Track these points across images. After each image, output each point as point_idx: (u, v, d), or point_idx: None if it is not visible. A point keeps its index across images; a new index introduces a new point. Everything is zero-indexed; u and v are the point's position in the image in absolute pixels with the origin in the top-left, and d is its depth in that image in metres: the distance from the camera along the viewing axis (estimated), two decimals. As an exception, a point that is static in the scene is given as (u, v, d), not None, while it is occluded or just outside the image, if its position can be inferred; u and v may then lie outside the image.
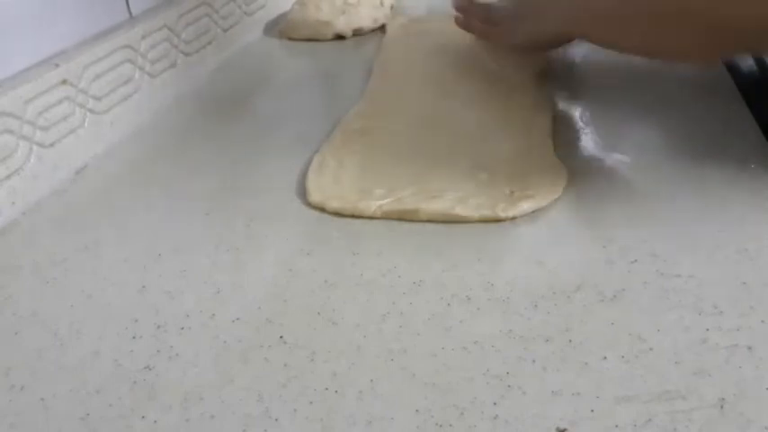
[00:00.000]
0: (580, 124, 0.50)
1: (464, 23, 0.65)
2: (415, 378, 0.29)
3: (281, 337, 0.32)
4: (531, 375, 0.29)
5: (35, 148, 0.45)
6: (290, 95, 0.61)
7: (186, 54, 0.63)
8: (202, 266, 0.38)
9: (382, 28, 0.76)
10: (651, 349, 0.30)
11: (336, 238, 0.39)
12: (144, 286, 0.36)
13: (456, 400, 0.28)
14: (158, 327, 0.33)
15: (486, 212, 0.40)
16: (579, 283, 0.34)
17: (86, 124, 0.50)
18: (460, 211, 0.40)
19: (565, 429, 0.26)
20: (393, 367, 0.30)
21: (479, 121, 0.51)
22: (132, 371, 0.31)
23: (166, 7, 0.61)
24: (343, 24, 0.74)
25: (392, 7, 0.80)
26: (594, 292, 0.34)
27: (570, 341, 0.31)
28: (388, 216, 0.40)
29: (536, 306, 0.33)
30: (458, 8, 0.66)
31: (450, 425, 0.27)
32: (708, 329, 0.31)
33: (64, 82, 0.47)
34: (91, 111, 0.50)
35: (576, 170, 0.44)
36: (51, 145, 0.47)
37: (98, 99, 0.51)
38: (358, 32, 0.75)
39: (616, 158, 0.46)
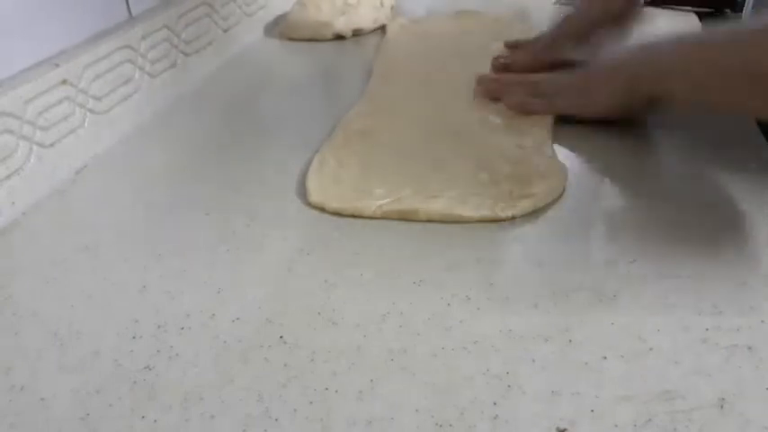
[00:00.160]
0: (580, 124, 0.50)
1: (516, 103, 0.53)
2: (415, 378, 0.29)
3: (281, 337, 0.32)
4: (530, 375, 0.29)
5: (35, 148, 0.45)
6: (290, 96, 0.61)
7: (186, 54, 0.63)
8: (202, 266, 0.38)
9: (382, 28, 0.76)
10: (651, 349, 0.30)
11: (336, 238, 0.39)
12: (144, 286, 0.36)
13: (456, 400, 0.28)
14: (158, 327, 0.33)
15: (486, 212, 0.40)
16: (579, 282, 0.34)
17: (86, 124, 0.50)
18: (460, 210, 0.40)
19: (565, 429, 0.26)
20: (393, 367, 0.30)
21: (479, 122, 0.51)
22: (132, 371, 0.31)
23: (166, 7, 0.61)
24: (343, 25, 0.74)
25: (392, 8, 0.80)
26: (594, 291, 0.34)
27: (570, 341, 0.31)
28: (387, 216, 0.40)
29: (536, 306, 0.33)
30: (489, 89, 0.56)
31: (450, 425, 0.27)
32: (707, 329, 0.31)
33: (64, 82, 0.47)
34: (91, 111, 0.51)
35: (576, 170, 0.44)
36: (51, 145, 0.47)
37: (98, 99, 0.51)
38: (358, 33, 0.76)
39: (616, 159, 0.46)
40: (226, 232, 0.41)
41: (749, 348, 0.30)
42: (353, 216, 0.41)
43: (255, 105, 0.60)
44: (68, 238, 0.41)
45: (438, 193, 0.41)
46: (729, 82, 0.40)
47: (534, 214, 0.40)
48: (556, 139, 0.48)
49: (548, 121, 0.50)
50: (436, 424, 0.27)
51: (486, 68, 0.60)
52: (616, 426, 0.26)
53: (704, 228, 0.38)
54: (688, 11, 0.74)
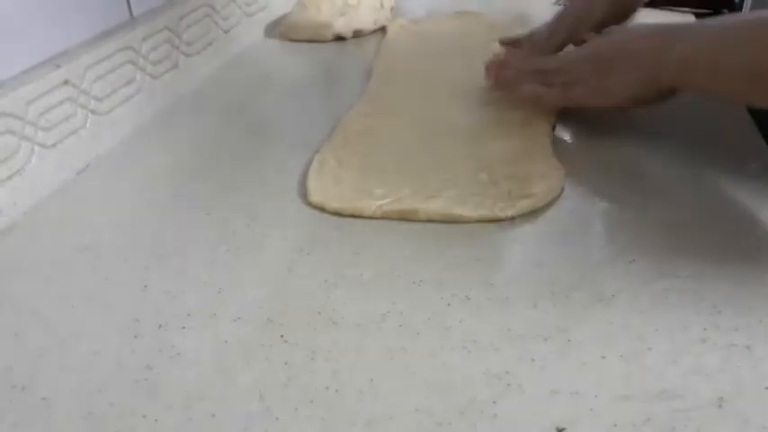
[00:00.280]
0: (579, 124, 0.50)
1: (532, 97, 0.51)
2: (415, 378, 0.29)
3: (281, 336, 0.32)
4: (530, 375, 0.29)
5: (37, 148, 0.45)
6: (291, 96, 0.61)
7: (187, 55, 0.63)
8: (203, 266, 0.38)
9: (382, 29, 0.77)
10: (650, 349, 0.30)
11: (336, 238, 0.39)
12: (145, 286, 0.36)
13: (456, 399, 0.28)
14: (159, 326, 0.33)
15: (485, 212, 0.40)
16: (578, 282, 0.35)
17: (88, 125, 0.50)
18: (459, 210, 0.40)
19: (564, 429, 0.27)
20: (393, 367, 0.30)
21: (479, 122, 0.51)
22: (133, 370, 0.31)
23: (168, 8, 0.61)
24: (343, 26, 0.75)
25: (392, 9, 0.80)
26: (593, 291, 0.34)
27: (569, 340, 0.31)
28: (387, 216, 0.41)
29: (535, 306, 0.33)
30: (500, 76, 0.54)
31: (450, 424, 0.27)
32: (706, 329, 0.31)
33: (65, 83, 0.48)
34: (92, 111, 0.51)
35: (575, 170, 0.44)
36: (53, 146, 0.47)
37: (99, 100, 0.51)
38: (358, 34, 0.76)
39: (616, 159, 0.46)
40: (226, 232, 0.41)
41: (748, 348, 0.30)
42: (353, 216, 0.41)
43: (256, 106, 0.60)
44: (70, 239, 0.41)
45: (437, 193, 0.42)
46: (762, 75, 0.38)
47: (533, 214, 0.40)
48: (555, 138, 0.49)
49: (547, 121, 0.50)
50: (436, 424, 0.27)
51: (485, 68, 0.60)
52: (615, 425, 0.27)
53: (703, 228, 0.38)
54: (686, 11, 0.74)
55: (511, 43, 0.63)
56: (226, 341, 0.32)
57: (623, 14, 0.57)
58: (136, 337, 0.33)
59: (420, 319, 0.33)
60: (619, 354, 0.30)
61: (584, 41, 0.52)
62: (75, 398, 0.29)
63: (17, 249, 0.40)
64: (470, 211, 0.40)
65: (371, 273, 0.36)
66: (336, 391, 0.29)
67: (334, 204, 0.41)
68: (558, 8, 0.79)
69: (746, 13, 0.45)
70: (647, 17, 0.55)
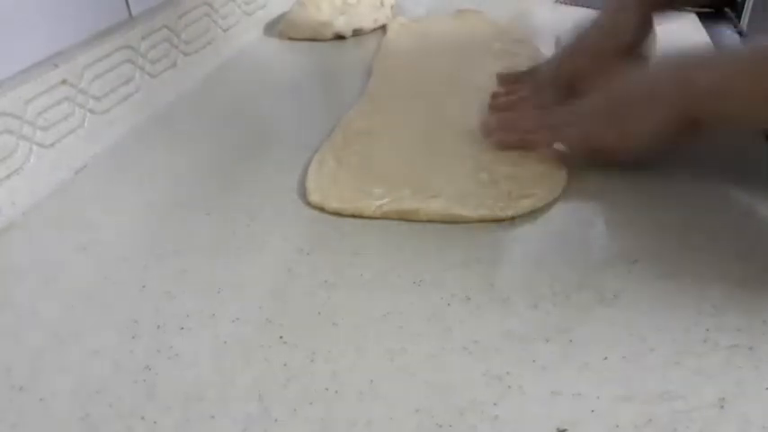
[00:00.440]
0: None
1: (551, 153, 0.46)
2: (415, 378, 0.29)
3: (280, 337, 0.32)
4: (531, 375, 0.29)
5: (35, 148, 0.45)
6: (290, 95, 0.61)
7: (186, 54, 0.63)
8: (202, 266, 0.38)
9: (382, 28, 0.76)
10: (652, 349, 0.30)
11: (336, 238, 0.39)
12: (144, 286, 0.36)
13: (456, 400, 0.28)
14: (158, 327, 0.33)
15: (485, 212, 0.40)
16: (579, 283, 0.34)
17: (86, 124, 0.50)
18: (459, 210, 0.40)
19: (565, 430, 0.26)
20: (393, 367, 0.30)
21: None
22: (132, 371, 0.30)
23: (166, 7, 0.61)
24: (343, 24, 0.74)
25: (392, 8, 0.80)
26: (595, 292, 0.34)
27: (570, 341, 0.31)
28: (387, 216, 0.40)
29: (536, 306, 0.33)
30: (504, 141, 0.47)
31: (450, 425, 0.27)
32: (708, 329, 0.31)
33: (64, 82, 0.47)
34: (91, 111, 0.50)
35: (576, 170, 0.44)
36: (51, 145, 0.47)
37: (98, 99, 0.51)
38: (358, 33, 0.76)
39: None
40: (226, 232, 0.40)
41: (750, 349, 0.30)
42: (353, 216, 0.41)
43: (255, 105, 0.60)
44: (68, 238, 0.41)
45: (437, 192, 0.41)
46: None
47: (534, 214, 0.40)
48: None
49: None
50: (436, 424, 0.27)
51: (486, 70, 0.60)
52: (617, 426, 0.26)
53: (705, 228, 0.38)
54: (688, 11, 0.74)
55: (510, 80, 0.57)
56: (225, 342, 0.32)
57: (639, 43, 0.51)
58: (134, 337, 0.33)
59: (420, 319, 0.33)
60: (620, 355, 0.30)
61: (595, 77, 0.47)
62: (73, 398, 0.29)
63: (15, 249, 0.40)
64: (471, 211, 0.40)
65: (371, 273, 0.36)
66: (336, 391, 0.29)
67: (333, 204, 0.41)
68: (557, 6, 0.79)
69: (763, 40, 0.42)
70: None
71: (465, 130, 0.50)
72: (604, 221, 0.39)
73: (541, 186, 0.42)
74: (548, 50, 0.61)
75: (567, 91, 0.49)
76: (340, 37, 0.75)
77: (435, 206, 0.40)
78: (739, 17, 0.74)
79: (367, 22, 0.76)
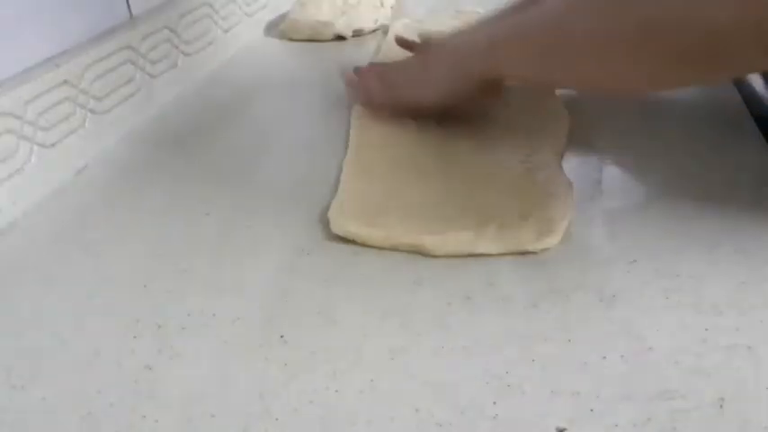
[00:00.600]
0: (582, 125, 0.50)
1: (364, 95, 0.53)
2: (415, 378, 0.29)
3: (281, 336, 0.32)
4: (530, 375, 0.29)
5: (36, 148, 0.45)
6: (291, 96, 0.61)
7: (187, 55, 0.63)
8: (203, 266, 0.38)
9: (382, 28, 0.76)
10: (651, 349, 0.30)
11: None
12: (145, 286, 0.36)
13: (456, 399, 0.28)
14: (159, 326, 0.33)
15: (510, 247, 0.37)
16: (579, 282, 0.34)
17: (87, 124, 0.50)
18: (483, 248, 0.37)
19: (564, 429, 0.26)
20: (393, 367, 0.30)
21: (484, 129, 0.50)
22: (133, 370, 0.31)
23: (167, 8, 0.61)
24: (344, 25, 0.75)
25: (392, 8, 0.80)
26: (594, 291, 0.34)
27: (570, 341, 0.31)
28: (397, 249, 0.38)
29: (536, 306, 0.33)
30: (350, 82, 0.55)
31: (451, 425, 0.27)
32: (707, 329, 0.31)
33: (65, 82, 0.48)
34: (92, 111, 0.51)
35: (576, 170, 0.44)
36: (52, 145, 0.47)
37: (99, 99, 0.51)
38: (358, 33, 0.76)
39: (616, 159, 0.46)
40: (226, 232, 0.41)
41: (749, 348, 0.30)
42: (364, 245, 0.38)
43: (255, 105, 0.60)
44: (69, 238, 0.41)
45: (447, 223, 0.38)
46: (563, 51, 0.39)
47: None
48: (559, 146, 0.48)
49: (560, 134, 0.48)
50: (436, 424, 0.27)
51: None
52: (616, 425, 0.26)
53: (704, 228, 0.38)
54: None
55: (406, 44, 0.62)
56: (225, 341, 0.32)
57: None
58: (135, 337, 0.33)
59: (420, 319, 0.33)
60: (620, 354, 0.30)
61: None
62: (74, 398, 0.29)
63: (16, 249, 0.40)
64: (494, 247, 0.37)
65: (371, 273, 0.36)
66: (336, 391, 0.29)
67: (357, 231, 0.39)
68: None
69: None
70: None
71: (470, 140, 0.49)
72: (605, 221, 0.39)
73: (553, 210, 0.39)
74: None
75: None
76: (340, 37, 0.75)
77: (453, 247, 0.37)
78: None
79: (367, 23, 0.76)
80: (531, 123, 0.50)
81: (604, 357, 0.30)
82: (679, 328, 0.31)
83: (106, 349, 0.32)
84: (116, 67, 0.53)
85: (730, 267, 0.35)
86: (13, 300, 0.36)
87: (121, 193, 0.46)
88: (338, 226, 0.39)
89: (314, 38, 0.75)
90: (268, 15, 0.80)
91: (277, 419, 0.28)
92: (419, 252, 0.37)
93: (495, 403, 0.28)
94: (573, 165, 0.45)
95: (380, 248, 0.38)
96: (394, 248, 0.38)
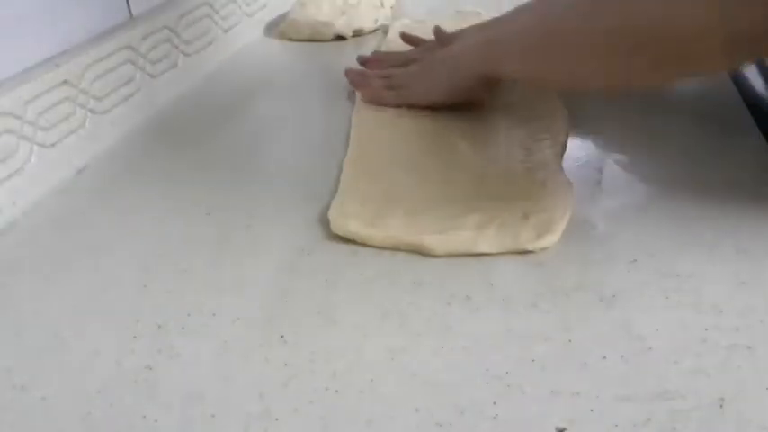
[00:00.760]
0: (582, 125, 0.50)
1: (370, 95, 0.55)
2: (415, 378, 0.29)
3: (281, 336, 0.32)
4: (530, 375, 0.29)
5: (36, 148, 0.45)
6: (291, 96, 0.61)
7: (187, 55, 0.63)
8: (203, 266, 0.38)
9: (382, 28, 0.76)
10: (650, 349, 0.30)
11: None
12: (145, 286, 0.36)
13: (456, 399, 0.28)
14: (159, 326, 0.33)
15: (509, 246, 0.37)
16: (579, 282, 0.34)
17: (87, 124, 0.50)
18: (484, 247, 0.37)
19: (564, 429, 0.26)
20: (393, 367, 0.30)
21: (484, 128, 0.50)
22: (133, 370, 0.31)
23: (167, 8, 0.61)
24: (344, 25, 0.74)
25: (392, 8, 0.80)
26: (594, 291, 0.34)
27: (570, 341, 0.31)
28: (398, 248, 0.38)
29: (536, 306, 0.33)
30: (351, 78, 0.59)
31: (451, 424, 0.27)
32: (707, 329, 0.31)
33: (65, 82, 0.48)
34: (92, 111, 0.51)
35: (576, 170, 0.44)
36: (52, 145, 0.47)
37: (99, 99, 0.51)
38: (358, 33, 0.76)
39: (616, 159, 0.46)
40: (226, 232, 0.41)
41: (748, 348, 0.30)
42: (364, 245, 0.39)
43: (255, 105, 0.60)
44: (69, 238, 0.41)
45: (449, 223, 0.38)
46: (568, 52, 0.41)
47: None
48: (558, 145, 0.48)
49: (560, 133, 0.48)
50: (436, 424, 0.27)
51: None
52: (616, 425, 0.26)
53: (704, 227, 0.38)
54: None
55: (410, 40, 0.65)
56: (225, 341, 0.32)
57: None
58: (135, 337, 0.33)
59: (420, 319, 0.33)
60: (619, 353, 0.30)
61: None
62: (74, 398, 0.29)
63: (17, 249, 0.40)
64: (494, 247, 0.37)
65: (371, 272, 0.36)
66: (336, 391, 0.29)
67: (351, 229, 0.39)
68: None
69: None
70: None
71: (470, 142, 0.48)
72: (604, 220, 0.39)
73: (553, 209, 0.39)
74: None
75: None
76: (340, 37, 0.75)
77: (453, 246, 0.37)
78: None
79: (367, 23, 0.76)
80: (530, 123, 0.50)
81: (604, 357, 0.30)
82: (679, 328, 0.31)
83: (106, 349, 0.32)
84: (116, 67, 0.53)
85: (730, 267, 0.35)
86: (12, 300, 0.36)
87: (121, 193, 0.46)
88: (338, 226, 0.39)
89: (314, 38, 0.75)
90: (268, 15, 0.80)
91: (277, 419, 0.28)
92: (419, 252, 0.37)
93: (495, 403, 0.28)
94: (573, 165, 0.45)
95: (380, 248, 0.38)
96: (394, 248, 0.38)
